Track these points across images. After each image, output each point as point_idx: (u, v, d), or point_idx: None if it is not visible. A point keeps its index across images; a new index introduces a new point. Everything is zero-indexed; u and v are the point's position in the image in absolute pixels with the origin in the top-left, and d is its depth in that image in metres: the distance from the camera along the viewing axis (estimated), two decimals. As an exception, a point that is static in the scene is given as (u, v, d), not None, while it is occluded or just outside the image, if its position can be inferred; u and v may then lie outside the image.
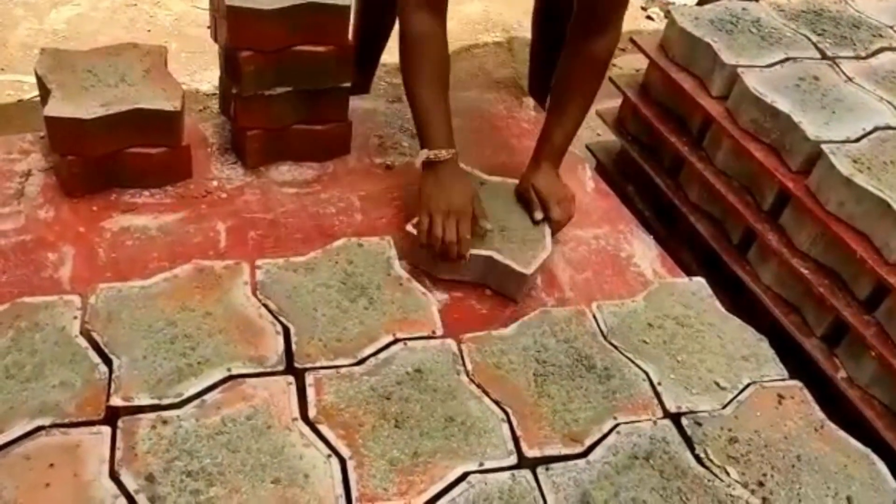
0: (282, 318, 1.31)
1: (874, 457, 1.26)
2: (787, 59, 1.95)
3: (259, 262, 1.42)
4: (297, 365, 1.25)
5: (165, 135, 1.66)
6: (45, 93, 1.62)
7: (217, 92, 2.17)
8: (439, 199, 1.55)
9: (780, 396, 1.33)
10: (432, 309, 1.39)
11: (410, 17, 1.57)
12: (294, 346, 1.28)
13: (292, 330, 1.30)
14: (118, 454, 1.09)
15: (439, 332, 1.35)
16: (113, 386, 1.17)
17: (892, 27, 2.13)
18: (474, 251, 1.56)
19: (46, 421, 1.12)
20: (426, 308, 1.39)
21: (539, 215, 1.65)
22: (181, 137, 1.70)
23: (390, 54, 2.80)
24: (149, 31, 3.03)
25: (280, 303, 1.34)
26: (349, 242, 1.50)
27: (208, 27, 1.90)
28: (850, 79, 1.91)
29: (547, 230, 1.65)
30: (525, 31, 3.36)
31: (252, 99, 1.71)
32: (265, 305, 1.33)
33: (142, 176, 1.69)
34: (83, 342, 1.23)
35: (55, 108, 1.55)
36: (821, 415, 1.31)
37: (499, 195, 1.71)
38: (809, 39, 2.04)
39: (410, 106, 1.62)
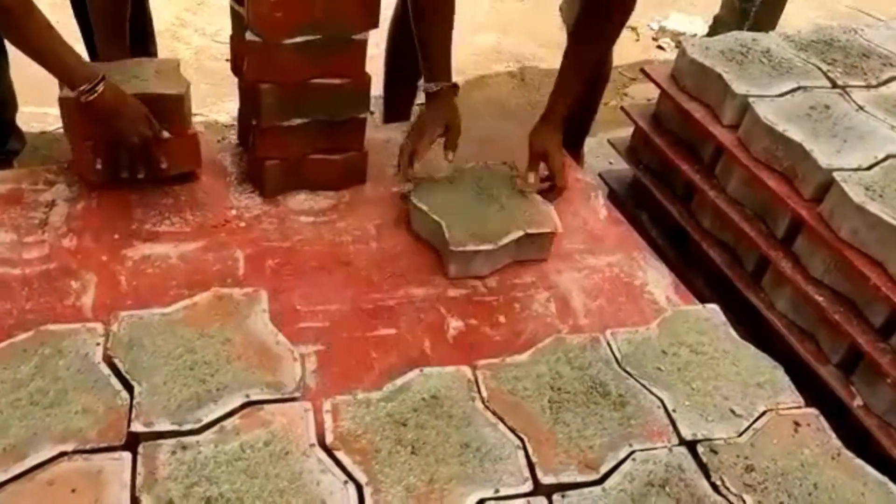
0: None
1: (892, 486, 1.25)
2: (797, 89, 1.97)
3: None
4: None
5: (169, 119, 1.71)
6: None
7: (235, 123, 2.22)
8: (418, 120, 1.84)
9: (797, 424, 1.32)
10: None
11: None
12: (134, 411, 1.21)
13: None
14: (139, 479, 1.11)
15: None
16: (134, 412, 1.19)
17: (902, 56, 2.15)
18: (501, 241, 1.70)
19: (69, 447, 1.14)
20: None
21: (532, 178, 1.82)
22: (187, 124, 1.76)
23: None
24: (169, 63, 3.10)
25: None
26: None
27: (227, 60, 1.95)
28: (860, 107, 1.92)
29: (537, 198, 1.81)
30: (538, 61, 3.41)
31: (270, 130, 1.75)
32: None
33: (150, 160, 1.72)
34: (105, 369, 1.26)
35: (66, 92, 1.61)
36: (837, 443, 1.31)
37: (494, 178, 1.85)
38: (820, 69, 2.06)
39: (417, 45, 1.82)
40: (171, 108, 1.71)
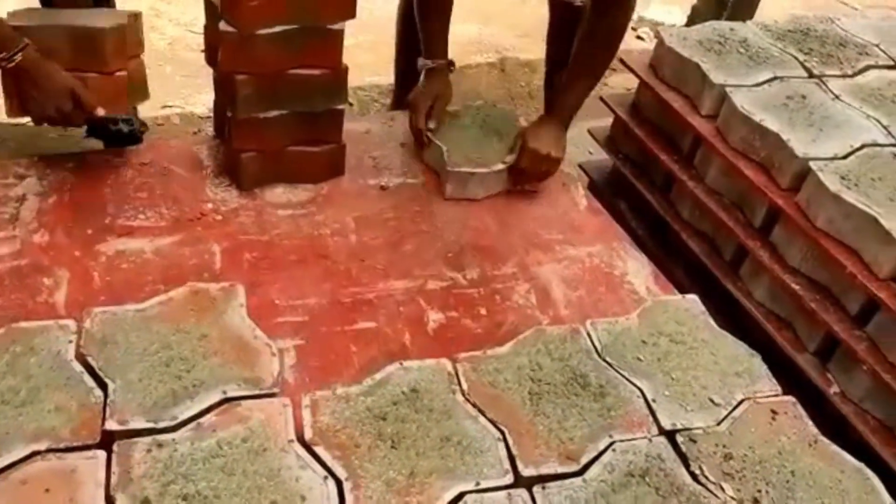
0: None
1: (868, 471, 1.27)
2: (774, 79, 1.98)
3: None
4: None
5: (97, 57, 1.65)
6: None
7: (211, 115, 2.19)
8: (416, 94, 1.97)
9: (774, 412, 1.33)
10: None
11: None
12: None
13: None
14: (114, 478, 1.09)
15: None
16: (108, 410, 1.17)
17: (877, 45, 2.16)
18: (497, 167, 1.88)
19: (42, 446, 1.12)
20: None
21: (509, 159, 1.90)
22: (115, 64, 1.68)
23: (387, 76, 2.84)
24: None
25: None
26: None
27: (202, 50, 1.92)
28: (837, 97, 1.94)
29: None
30: (518, 52, 3.40)
31: (247, 122, 1.73)
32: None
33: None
34: (78, 366, 1.24)
35: None
36: (814, 430, 1.32)
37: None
38: (796, 58, 2.07)
39: (418, 25, 2.00)
40: (97, 45, 1.65)
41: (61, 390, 1.20)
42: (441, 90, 1.98)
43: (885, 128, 1.84)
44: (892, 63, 2.10)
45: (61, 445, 1.13)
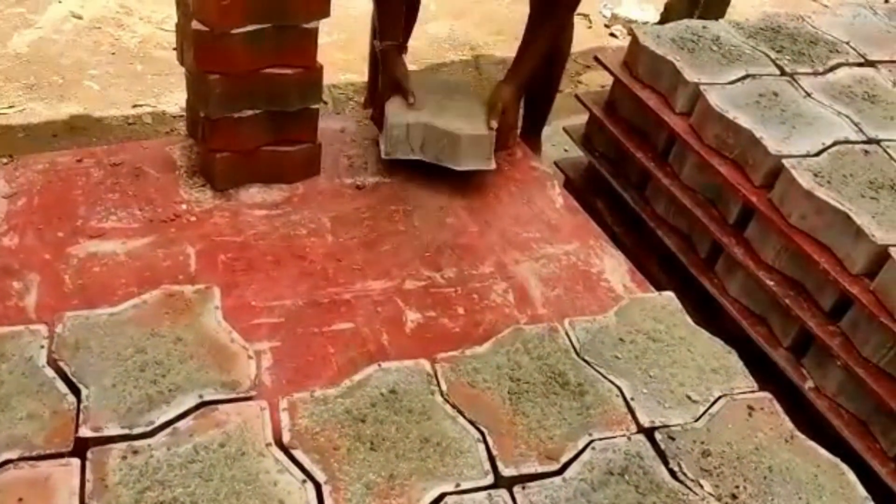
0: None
1: (844, 466, 1.28)
2: (747, 76, 1.99)
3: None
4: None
5: None
6: None
7: (184, 114, 2.16)
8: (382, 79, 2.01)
9: (751, 408, 1.35)
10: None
11: None
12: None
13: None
14: (88, 486, 1.08)
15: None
16: (82, 416, 1.16)
17: (847, 43, 2.19)
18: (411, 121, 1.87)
19: (14, 454, 1.10)
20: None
21: (493, 124, 1.93)
22: None
23: (361, 73, 2.82)
24: (113, 53, 3.00)
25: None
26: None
27: (174, 49, 1.89)
28: (808, 94, 1.96)
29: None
30: (492, 49, 3.39)
31: (220, 121, 1.71)
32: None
33: None
34: (50, 372, 1.21)
35: None
36: (790, 425, 1.33)
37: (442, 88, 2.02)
38: (768, 56, 2.09)
39: (374, 6, 2.06)
40: None
41: (33, 397, 1.17)
42: (399, 75, 1.97)
43: (855, 125, 1.86)
44: (862, 61, 2.13)
45: (34, 453, 1.11)
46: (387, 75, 1.98)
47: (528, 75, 2.04)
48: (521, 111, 2.15)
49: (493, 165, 1.93)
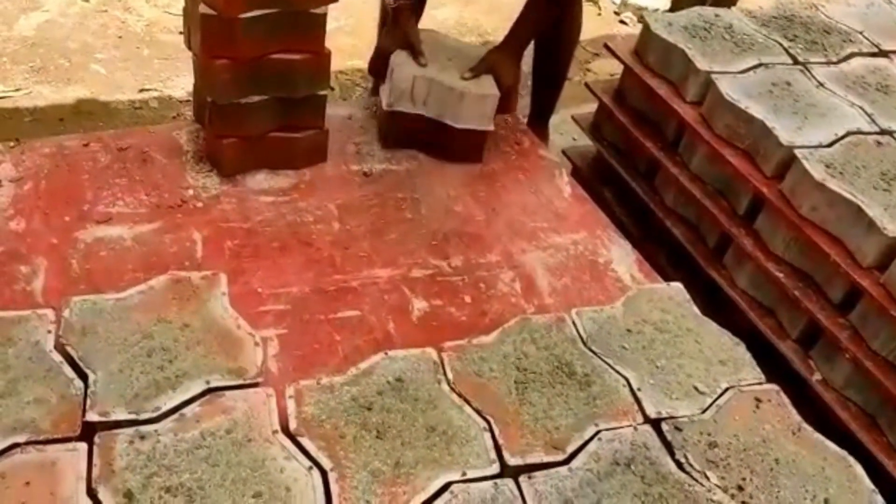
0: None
1: (851, 459, 1.28)
2: (759, 65, 1.97)
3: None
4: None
5: None
6: None
7: (190, 98, 2.15)
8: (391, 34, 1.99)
9: (758, 400, 1.34)
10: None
11: None
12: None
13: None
14: (95, 471, 1.08)
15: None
16: (89, 401, 1.16)
17: (861, 32, 2.17)
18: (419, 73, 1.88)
19: (21, 438, 1.10)
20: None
21: (468, 75, 1.92)
22: None
23: (364, 60, 2.81)
24: (120, 37, 2.99)
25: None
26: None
27: (181, 32, 1.88)
28: (821, 84, 1.94)
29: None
30: (500, 35, 3.36)
31: (227, 107, 1.70)
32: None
33: None
34: (58, 357, 1.21)
35: None
36: (797, 418, 1.33)
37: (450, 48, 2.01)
38: (781, 45, 2.06)
39: None
40: None
41: (40, 381, 1.17)
42: (408, 33, 1.96)
43: (869, 116, 1.84)
44: (875, 50, 2.11)
45: (41, 438, 1.11)
46: (398, 32, 1.96)
47: (524, 38, 2.05)
48: (522, 99, 2.16)
49: (491, 127, 1.94)
